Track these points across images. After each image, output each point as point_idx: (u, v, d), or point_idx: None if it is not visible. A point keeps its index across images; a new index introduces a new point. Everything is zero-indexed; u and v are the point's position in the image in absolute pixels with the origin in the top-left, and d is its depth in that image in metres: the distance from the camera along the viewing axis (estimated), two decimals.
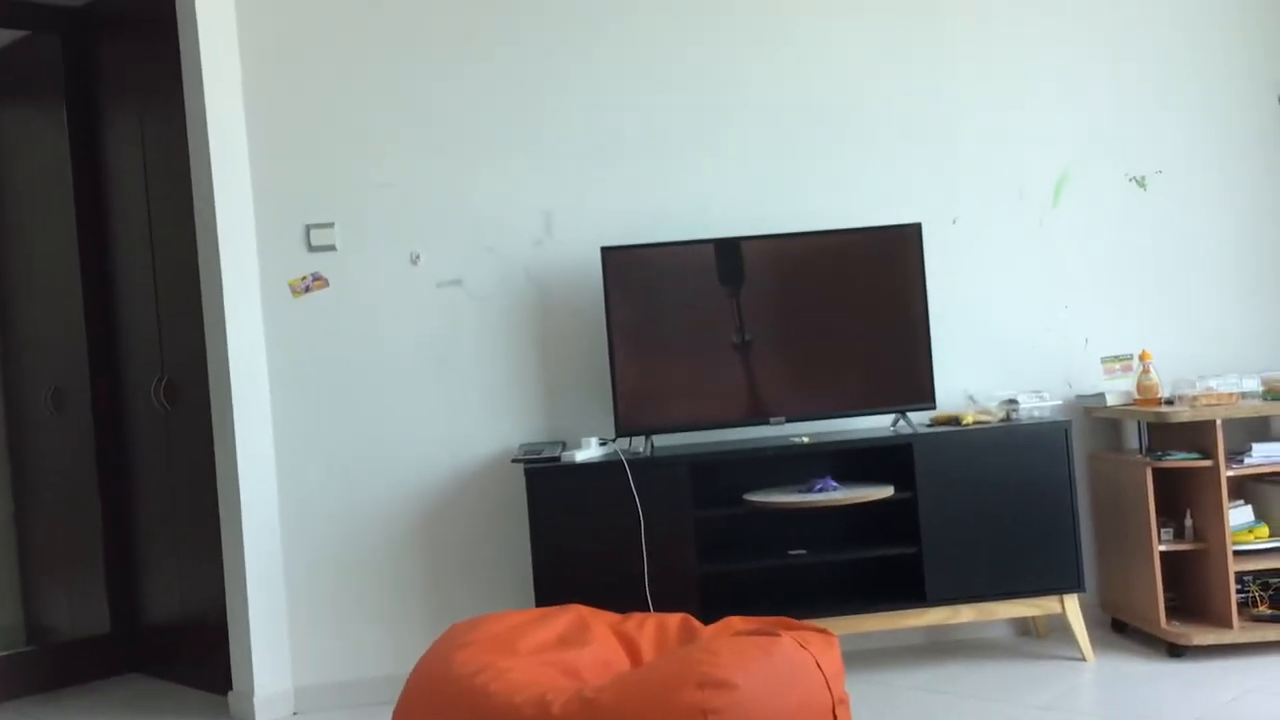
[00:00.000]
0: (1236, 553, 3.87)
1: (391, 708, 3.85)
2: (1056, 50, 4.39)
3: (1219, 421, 3.86)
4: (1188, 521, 4.02)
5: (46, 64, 4.73)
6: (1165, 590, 3.97)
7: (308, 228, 4.15)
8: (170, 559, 4.50)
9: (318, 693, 4.11)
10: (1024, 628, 4.34)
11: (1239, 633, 3.84)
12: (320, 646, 4.12)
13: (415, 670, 3.04)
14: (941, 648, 4.24)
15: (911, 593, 3.94)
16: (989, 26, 4.36)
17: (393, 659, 4.12)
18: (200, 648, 4.36)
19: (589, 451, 3.95)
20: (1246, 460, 3.95)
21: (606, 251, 4.00)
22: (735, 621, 3.19)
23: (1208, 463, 3.89)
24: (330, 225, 4.15)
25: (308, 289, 4.15)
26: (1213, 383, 3.96)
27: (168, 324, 4.42)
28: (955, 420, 4.04)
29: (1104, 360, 4.30)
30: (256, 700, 4.02)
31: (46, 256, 4.84)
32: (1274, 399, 3.94)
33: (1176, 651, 3.91)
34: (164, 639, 4.57)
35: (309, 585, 4.12)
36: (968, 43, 4.36)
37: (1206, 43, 4.45)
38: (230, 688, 4.13)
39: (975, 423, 4.01)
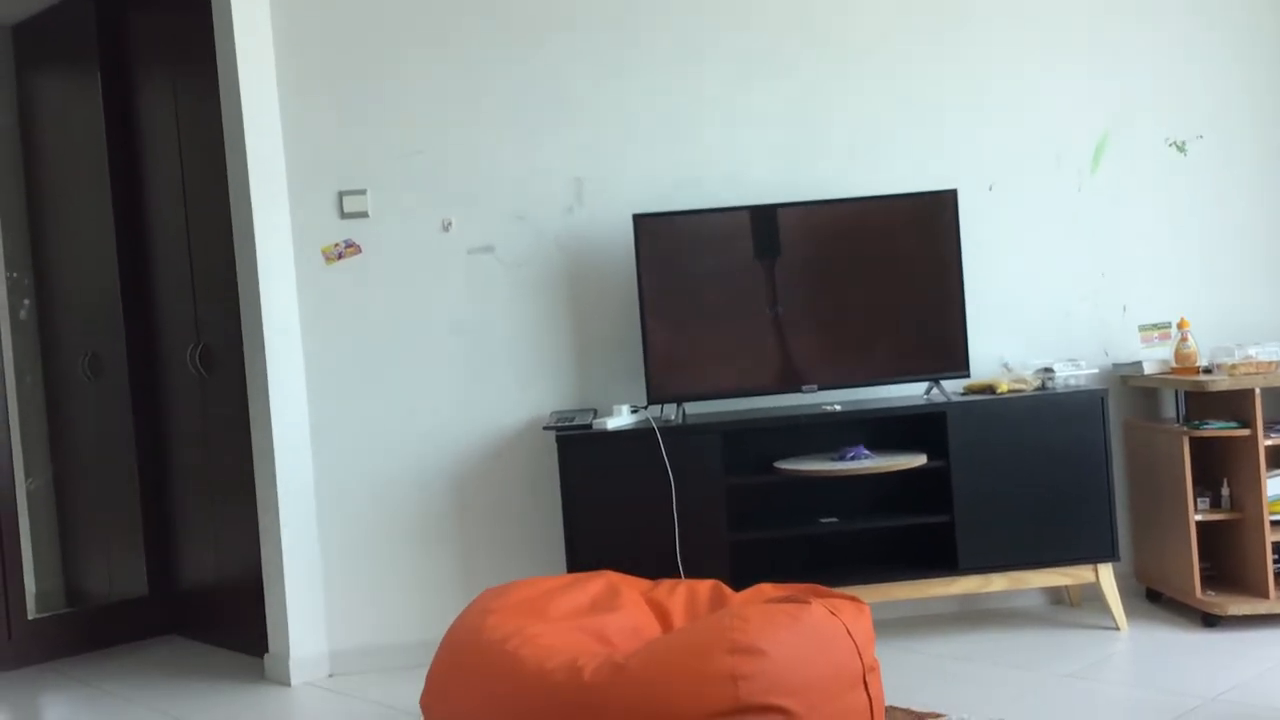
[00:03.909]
0: (1274, 522, 3.83)
1: (425, 671, 3.89)
2: (1093, 12, 4.32)
3: (1258, 390, 3.81)
4: (1224, 491, 3.98)
5: (79, 30, 4.75)
6: (1201, 560, 3.94)
7: (340, 195, 4.16)
8: (207, 523, 4.55)
9: (352, 656, 4.15)
10: (1057, 597, 4.32)
11: (1275, 603, 3.80)
12: (355, 610, 4.16)
13: (448, 635, 3.06)
14: (974, 616, 4.23)
15: (943, 561, 3.93)
16: None
17: (426, 623, 4.16)
18: (237, 610, 4.42)
19: (621, 419, 3.95)
20: None
21: (638, 219, 3.98)
22: (766, 589, 3.19)
23: (1246, 432, 3.85)
24: (363, 192, 4.16)
25: (340, 256, 4.16)
26: (1252, 351, 3.91)
27: (203, 290, 4.45)
28: (990, 389, 4.01)
29: (1141, 328, 4.25)
30: (292, 662, 4.07)
31: (81, 223, 4.87)
32: None
33: (1211, 621, 3.88)
34: (201, 601, 4.63)
35: (343, 550, 4.16)
36: (1003, 4, 4.29)
37: (1250, 5, 4.36)
38: (266, 650, 4.18)
39: (1010, 391, 3.98)
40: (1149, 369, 4.12)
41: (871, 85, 4.26)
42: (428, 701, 3.00)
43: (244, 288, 4.13)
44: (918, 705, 3.34)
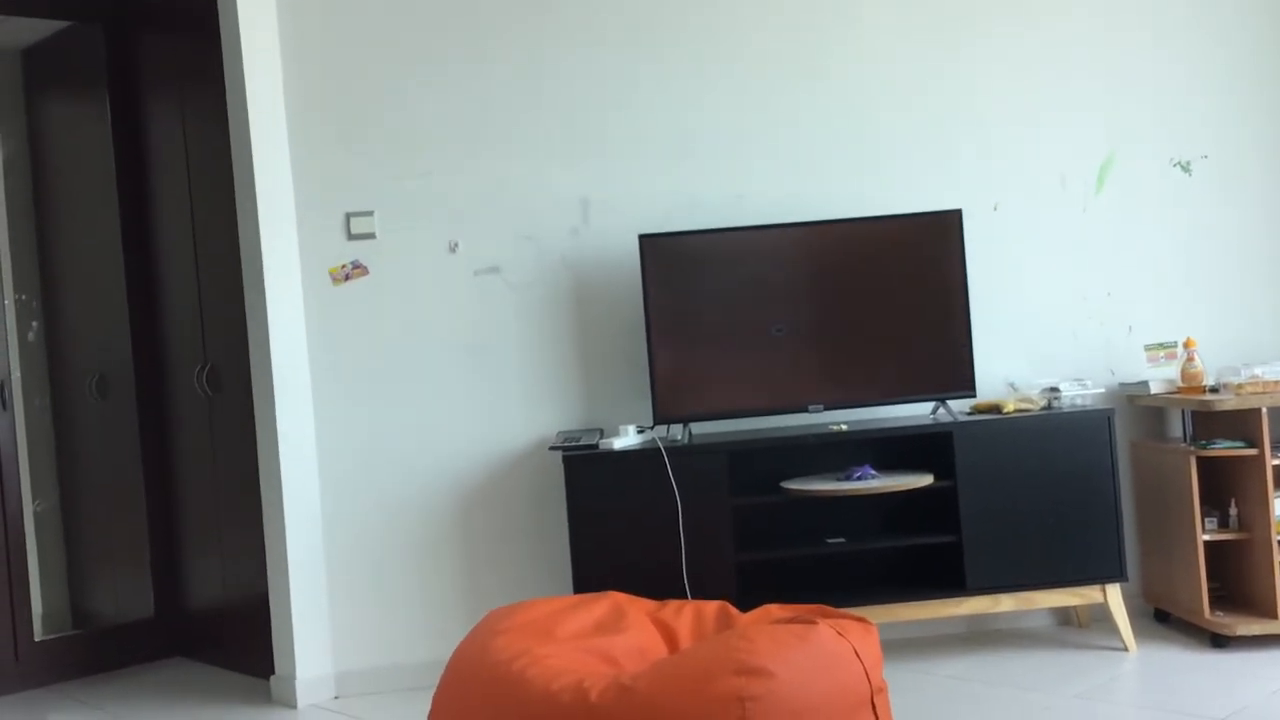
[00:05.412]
0: None
1: (431, 692, 3.88)
2: (1099, 33, 4.33)
3: (1264, 410, 3.81)
4: (1232, 510, 3.97)
5: (89, 54, 4.78)
6: (1209, 580, 3.93)
7: (348, 216, 4.17)
8: (213, 544, 4.55)
9: (359, 677, 4.14)
10: (1065, 617, 4.30)
11: None
12: (361, 631, 4.16)
13: (454, 656, 3.06)
14: (981, 637, 4.22)
15: (951, 581, 3.92)
16: (1029, 8, 4.31)
17: (432, 644, 4.15)
18: (243, 632, 4.41)
19: (627, 439, 3.95)
20: None
21: (644, 239, 3.99)
22: (773, 609, 3.18)
23: (1253, 451, 3.84)
24: (370, 214, 4.17)
25: (348, 277, 4.18)
26: (1258, 370, 3.91)
27: (210, 311, 4.47)
28: (996, 408, 4.01)
29: (1147, 348, 4.25)
30: (298, 684, 4.06)
31: (90, 245, 4.89)
32: None
33: (1220, 641, 3.87)
34: (207, 623, 4.63)
35: (350, 571, 4.16)
36: (1008, 25, 4.31)
37: (1254, 24, 4.38)
38: (273, 671, 4.18)
39: (1016, 411, 3.98)
40: (1155, 389, 4.12)
41: (876, 106, 4.28)
42: None
43: (251, 309, 4.14)
44: None
